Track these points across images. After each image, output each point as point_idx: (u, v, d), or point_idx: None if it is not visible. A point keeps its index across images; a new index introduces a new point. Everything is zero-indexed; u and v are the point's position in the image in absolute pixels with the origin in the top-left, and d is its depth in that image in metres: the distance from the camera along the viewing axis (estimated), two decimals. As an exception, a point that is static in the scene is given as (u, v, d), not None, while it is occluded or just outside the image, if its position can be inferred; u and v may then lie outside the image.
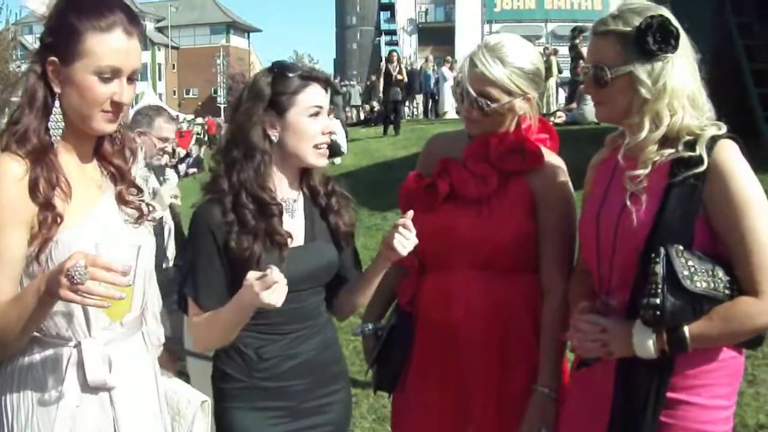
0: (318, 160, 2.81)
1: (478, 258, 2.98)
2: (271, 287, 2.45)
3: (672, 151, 2.44)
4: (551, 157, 3.07)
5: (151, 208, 2.55)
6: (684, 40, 2.48)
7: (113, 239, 2.23)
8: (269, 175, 2.77)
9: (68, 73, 2.23)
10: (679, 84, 2.44)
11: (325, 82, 2.84)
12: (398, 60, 24.86)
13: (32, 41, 49.74)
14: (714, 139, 2.41)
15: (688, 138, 2.43)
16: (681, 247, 2.34)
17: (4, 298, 2.15)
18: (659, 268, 2.30)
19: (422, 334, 3.11)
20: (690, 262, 2.31)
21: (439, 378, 3.05)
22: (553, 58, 22.40)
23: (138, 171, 2.56)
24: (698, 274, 2.30)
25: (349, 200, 3.00)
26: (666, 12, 2.47)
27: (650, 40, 2.41)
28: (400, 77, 24.06)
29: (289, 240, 2.76)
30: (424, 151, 3.35)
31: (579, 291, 2.80)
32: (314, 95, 2.78)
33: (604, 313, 2.55)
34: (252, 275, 2.48)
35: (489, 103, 2.91)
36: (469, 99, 2.94)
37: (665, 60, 2.43)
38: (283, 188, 2.84)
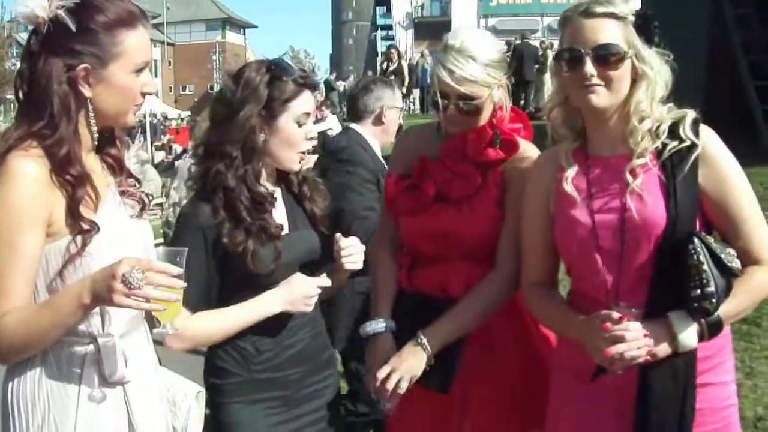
0: (296, 166, 2.88)
1: (465, 251, 3.00)
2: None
3: (659, 141, 2.48)
4: (525, 146, 3.06)
5: (150, 198, 2.57)
6: None
7: (148, 242, 2.40)
8: (262, 171, 2.83)
9: (104, 75, 2.27)
10: (664, 69, 2.52)
11: (313, 88, 2.89)
12: (399, 55, 23.72)
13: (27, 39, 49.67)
14: (695, 122, 2.46)
15: (670, 122, 2.47)
16: (703, 234, 2.37)
17: (23, 301, 2.18)
18: (701, 257, 2.30)
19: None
20: (714, 244, 2.35)
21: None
22: (549, 52, 22.34)
23: (131, 160, 2.57)
24: (729, 254, 2.35)
25: (319, 184, 3.05)
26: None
27: (651, 26, 2.49)
28: (396, 70, 23.03)
29: (281, 230, 2.81)
30: (398, 147, 3.39)
31: (565, 305, 2.74)
32: (305, 102, 2.83)
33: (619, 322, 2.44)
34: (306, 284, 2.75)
35: (470, 100, 2.91)
36: (451, 103, 2.92)
37: (652, 46, 2.51)
38: (267, 182, 2.89)
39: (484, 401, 3.01)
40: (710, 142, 2.48)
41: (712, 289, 2.29)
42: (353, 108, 4.99)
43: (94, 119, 2.32)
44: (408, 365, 2.86)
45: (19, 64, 2.34)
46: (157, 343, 2.60)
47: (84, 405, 2.27)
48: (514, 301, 3.01)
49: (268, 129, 2.82)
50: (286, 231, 2.89)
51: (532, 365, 3.05)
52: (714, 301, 2.30)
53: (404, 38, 63.80)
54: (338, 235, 2.93)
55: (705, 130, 2.49)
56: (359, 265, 2.91)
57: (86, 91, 2.27)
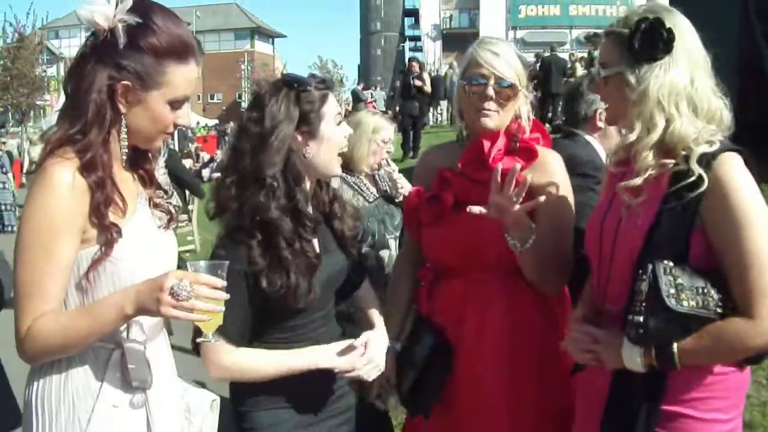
0: (339, 168, 2.89)
1: (489, 261, 3.00)
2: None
3: (672, 162, 2.41)
4: (546, 152, 3.08)
5: (178, 209, 2.62)
6: (686, 44, 2.46)
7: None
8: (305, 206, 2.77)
9: (142, 98, 2.31)
10: (675, 88, 2.41)
11: (331, 88, 2.90)
12: (421, 67, 21.87)
13: (58, 45, 50.36)
14: (708, 155, 2.36)
15: (684, 152, 2.40)
16: (671, 264, 2.29)
17: (57, 304, 2.23)
18: (644, 286, 2.28)
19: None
20: (679, 280, 2.26)
21: (451, 394, 3.07)
22: (578, 65, 22.31)
23: (158, 171, 2.61)
24: (686, 292, 2.26)
25: (348, 204, 3.08)
26: (665, 15, 2.45)
27: (636, 43, 2.42)
28: (422, 86, 20.65)
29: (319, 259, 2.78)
30: (419, 166, 3.40)
31: (583, 297, 2.81)
32: (334, 103, 2.83)
33: (601, 321, 2.55)
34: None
35: (509, 86, 2.98)
36: (492, 84, 2.96)
37: (654, 64, 2.42)
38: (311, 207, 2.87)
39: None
40: (725, 176, 2.34)
41: (639, 319, 2.27)
42: (572, 115, 4.56)
43: (126, 134, 2.36)
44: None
45: (58, 71, 2.37)
46: (175, 349, 2.62)
47: (104, 408, 2.30)
48: (535, 306, 3.04)
49: (313, 142, 2.79)
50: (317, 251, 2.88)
51: (557, 373, 3.05)
52: (641, 331, 2.28)
53: (432, 49, 63.88)
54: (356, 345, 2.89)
55: (724, 163, 2.36)
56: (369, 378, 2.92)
57: (122, 107, 2.31)
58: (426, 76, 21.70)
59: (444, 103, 30.91)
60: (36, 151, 23.08)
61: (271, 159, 2.67)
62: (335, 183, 3.12)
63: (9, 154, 22.39)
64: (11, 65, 46.13)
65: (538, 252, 2.85)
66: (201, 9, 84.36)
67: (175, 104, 2.37)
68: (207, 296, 2.19)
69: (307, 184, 2.80)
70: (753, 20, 11.55)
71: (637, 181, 2.44)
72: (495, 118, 3.02)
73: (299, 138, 2.75)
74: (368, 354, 2.85)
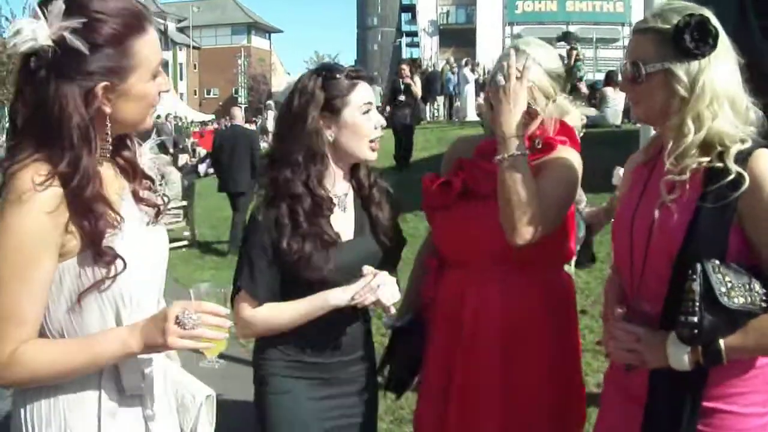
0: (371, 154, 2.98)
1: (493, 252, 2.99)
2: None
3: (707, 159, 2.39)
4: (567, 150, 3.07)
5: (166, 199, 2.51)
6: (725, 41, 2.44)
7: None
8: (327, 174, 2.96)
9: (123, 89, 2.17)
10: (719, 85, 2.40)
11: (369, 80, 3.01)
12: (411, 70, 19.84)
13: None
14: (744, 152, 2.35)
15: (720, 149, 2.38)
16: (717, 262, 2.29)
17: (36, 325, 2.14)
18: (696, 286, 2.26)
19: (438, 332, 3.17)
20: (727, 278, 2.26)
21: (445, 383, 3.11)
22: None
23: (145, 156, 2.49)
24: (735, 290, 2.25)
25: (389, 194, 3.17)
26: (708, 12, 2.43)
27: (687, 38, 2.38)
28: (410, 85, 18.66)
29: (337, 239, 2.94)
30: (447, 155, 3.39)
31: (612, 293, 2.78)
32: (364, 93, 2.96)
33: (636, 320, 2.52)
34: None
35: (535, 100, 2.97)
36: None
37: (703, 60, 2.40)
38: (337, 184, 3.01)
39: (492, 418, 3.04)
40: (762, 171, 2.34)
41: (694, 319, 2.25)
42: None
43: (111, 130, 2.23)
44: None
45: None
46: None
47: (105, 417, 2.26)
48: (537, 300, 3.03)
49: (335, 126, 2.96)
50: (350, 236, 3.04)
51: (559, 369, 3.07)
52: (696, 331, 2.26)
53: (429, 45, 63.88)
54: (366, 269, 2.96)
55: (760, 158, 2.36)
56: (388, 301, 2.94)
57: (107, 107, 2.17)
58: (417, 79, 20.00)
59: (441, 99, 30.93)
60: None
61: (297, 139, 2.91)
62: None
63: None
64: (7, 60, 46.08)
65: (510, 175, 2.81)
66: (198, 4, 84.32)
67: (154, 76, 2.25)
68: (213, 324, 2.20)
69: (332, 167, 3.00)
70: (749, 16, 11.54)
71: (683, 177, 2.42)
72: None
73: (321, 122, 2.94)
74: (378, 279, 2.92)
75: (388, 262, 3.12)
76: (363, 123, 2.96)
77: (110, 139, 2.24)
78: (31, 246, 2.05)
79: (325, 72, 2.98)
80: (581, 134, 3.20)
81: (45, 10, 2.06)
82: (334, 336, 3.05)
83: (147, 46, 2.20)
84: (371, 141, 2.98)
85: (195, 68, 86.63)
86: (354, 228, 3.07)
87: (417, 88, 19.18)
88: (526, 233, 2.81)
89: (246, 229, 3.07)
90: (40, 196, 2.04)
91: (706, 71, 2.40)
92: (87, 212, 2.11)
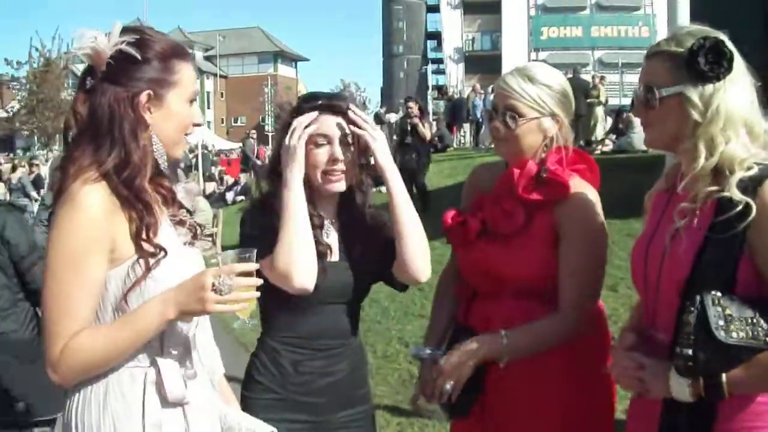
0: (326, 185, 2.89)
1: (517, 288, 2.99)
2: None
3: (719, 188, 2.33)
4: (582, 188, 3.02)
5: (201, 228, 2.66)
6: (740, 64, 2.40)
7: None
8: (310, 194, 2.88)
9: (164, 103, 2.39)
10: (733, 109, 2.35)
11: (336, 113, 2.87)
12: (420, 109, 17.45)
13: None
14: (755, 181, 2.29)
15: (729, 176, 2.32)
16: (719, 294, 2.23)
17: (87, 324, 2.25)
18: (692, 318, 2.21)
19: None
20: (728, 311, 2.20)
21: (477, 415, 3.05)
22: (600, 86, 22.30)
23: (179, 188, 2.65)
24: (735, 323, 2.19)
25: (384, 223, 3.04)
26: (722, 36, 2.39)
27: (702, 61, 2.34)
28: (418, 126, 16.40)
29: (327, 251, 2.89)
30: (467, 182, 3.38)
31: (631, 320, 2.76)
32: (327, 125, 2.85)
33: (650, 348, 2.49)
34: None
35: (516, 116, 2.94)
36: (498, 114, 2.98)
37: (718, 83, 2.35)
38: (321, 208, 2.96)
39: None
40: None
41: (689, 352, 2.21)
42: None
43: (161, 146, 2.41)
44: (453, 363, 2.91)
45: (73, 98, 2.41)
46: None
47: (150, 427, 2.31)
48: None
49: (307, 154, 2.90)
50: (335, 258, 2.95)
51: (586, 402, 3.02)
52: (690, 364, 2.22)
53: (455, 72, 64.09)
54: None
55: None
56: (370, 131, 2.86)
57: (148, 117, 2.36)
58: (426, 125, 17.27)
59: (467, 126, 30.97)
60: (15, 177, 23.23)
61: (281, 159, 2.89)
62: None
63: (38, 177, 22.58)
64: (37, 89, 46.70)
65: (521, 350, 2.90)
66: (225, 33, 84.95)
67: (191, 102, 2.46)
68: (246, 285, 2.29)
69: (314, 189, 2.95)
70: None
71: (695, 205, 2.38)
72: (501, 147, 3.07)
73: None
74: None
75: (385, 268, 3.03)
76: (312, 155, 2.86)
77: (158, 157, 2.42)
78: (85, 245, 2.21)
79: (301, 101, 2.95)
80: None
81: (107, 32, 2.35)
82: (326, 372, 2.94)
83: (186, 72, 2.44)
84: (326, 173, 2.87)
85: (222, 97, 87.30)
86: (338, 253, 2.97)
87: (426, 129, 16.79)
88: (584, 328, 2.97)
89: (242, 223, 3.00)
90: (92, 196, 2.23)
91: (720, 94, 2.35)
92: (136, 202, 2.29)
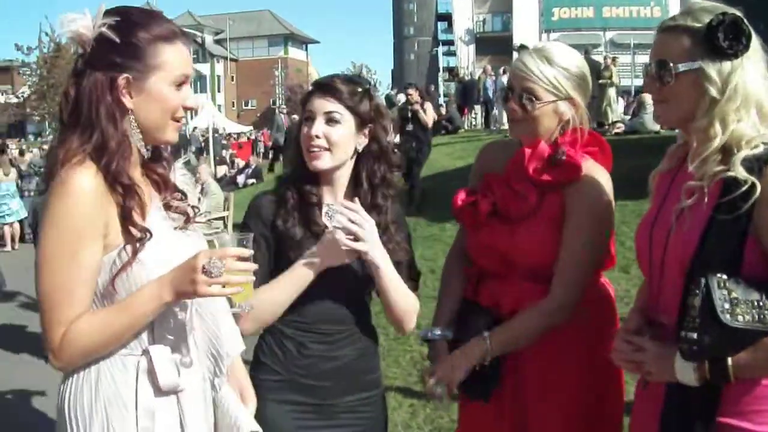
0: (310, 163, 2.91)
1: (526, 269, 2.99)
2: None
3: (726, 168, 2.29)
4: (595, 170, 3.01)
5: (197, 210, 2.62)
6: (756, 42, 2.36)
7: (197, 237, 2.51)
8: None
9: (144, 87, 2.34)
10: (750, 88, 2.32)
11: (329, 90, 2.92)
12: (422, 95, 16.57)
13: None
14: (762, 160, 2.26)
15: (741, 152, 2.29)
16: (724, 277, 2.20)
17: (86, 309, 2.25)
18: (697, 301, 2.18)
19: None
20: (733, 294, 2.17)
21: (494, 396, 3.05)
22: (612, 67, 22.17)
23: (178, 175, 2.63)
24: (741, 306, 2.17)
25: (401, 224, 3.07)
26: (739, 12, 2.34)
27: (721, 37, 2.29)
28: (417, 112, 15.51)
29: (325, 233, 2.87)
30: (477, 161, 3.36)
31: (637, 302, 2.75)
32: (313, 104, 2.92)
33: (655, 331, 2.47)
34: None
35: (533, 99, 2.92)
36: (515, 96, 2.97)
37: (736, 60, 2.31)
38: (327, 191, 2.98)
39: (542, 419, 3.00)
40: None
41: (693, 335, 2.19)
42: None
43: (139, 132, 2.38)
44: (446, 368, 2.98)
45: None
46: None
47: (143, 415, 2.31)
48: (582, 319, 2.98)
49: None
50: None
51: (596, 384, 3.03)
52: (695, 348, 2.20)
53: (466, 54, 63.85)
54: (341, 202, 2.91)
55: None
56: (365, 241, 2.81)
57: (127, 102, 2.33)
58: (429, 106, 16.46)
59: (478, 108, 30.87)
60: (25, 162, 23.29)
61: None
62: None
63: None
64: (48, 74, 46.84)
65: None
66: (234, 16, 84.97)
67: (178, 85, 2.40)
68: (238, 269, 2.26)
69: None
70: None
71: (703, 183, 2.34)
72: (517, 128, 3.05)
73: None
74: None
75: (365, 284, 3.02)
76: (303, 130, 2.94)
77: (140, 142, 2.40)
78: (79, 230, 2.20)
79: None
80: None
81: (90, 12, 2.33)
82: (330, 356, 2.95)
83: (172, 54, 2.38)
84: (308, 149, 2.90)
85: (232, 80, 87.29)
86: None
87: (427, 116, 15.90)
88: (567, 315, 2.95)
89: (246, 213, 3.06)
90: (84, 182, 2.21)
91: (738, 72, 2.32)
92: (116, 185, 2.27)
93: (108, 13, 2.33)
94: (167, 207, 2.51)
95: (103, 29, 2.29)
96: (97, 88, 2.29)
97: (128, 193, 2.28)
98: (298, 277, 2.85)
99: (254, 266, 2.35)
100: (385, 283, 2.91)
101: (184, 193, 2.59)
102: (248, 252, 2.33)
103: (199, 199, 2.66)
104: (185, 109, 2.46)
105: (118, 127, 2.31)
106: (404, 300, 2.98)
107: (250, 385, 2.82)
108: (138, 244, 2.27)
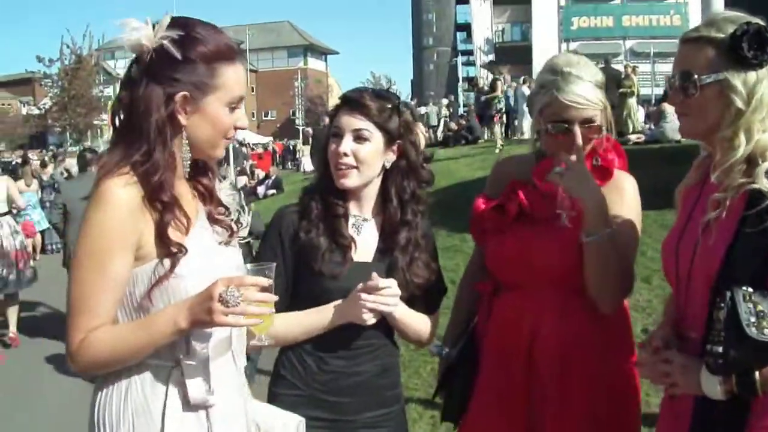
0: (337, 180, 2.90)
1: (550, 279, 2.96)
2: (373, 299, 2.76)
3: (751, 180, 2.27)
4: (621, 175, 3.03)
5: (239, 226, 2.63)
6: None
7: (231, 260, 2.48)
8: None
9: (201, 106, 2.35)
10: None
11: (357, 106, 2.89)
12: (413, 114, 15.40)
13: (114, 66, 51.37)
14: None
15: (765, 165, 2.26)
16: (750, 290, 2.17)
17: (108, 320, 2.26)
18: (722, 314, 2.16)
19: (491, 357, 3.12)
20: (759, 307, 2.15)
21: (507, 403, 3.04)
22: (633, 76, 22.08)
23: (224, 191, 2.64)
24: (767, 320, 2.14)
25: (424, 250, 3.02)
26: (762, 22, 2.32)
27: (745, 47, 2.27)
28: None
29: (352, 245, 2.88)
30: (492, 175, 3.34)
31: (665, 315, 2.73)
32: (341, 120, 2.90)
33: (682, 343, 2.45)
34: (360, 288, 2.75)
35: (592, 123, 2.93)
36: (577, 127, 2.90)
37: (761, 70, 2.29)
38: (354, 205, 2.97)
39: (557, 420, 2.97)
40: None
41: (719, 349, 2.16)
42: None
43: (188, 147, 2.39)
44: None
45: (115, 91, 2.40)
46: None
47: (169, 428, 2.30)
48: (595, 326, 2.96)
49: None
50: (368, 258, 2.93)
51: (613, 389, 3.00)
52: (721, 361, 2.17)
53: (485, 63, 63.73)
54: (374, 274, 2.82)
55: None
56: (389, 309, 2.84)
57: (183, 119, 2.33)
58: (420, 128, 14.25)
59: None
60: (48, 173, 23.42)
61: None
62: None
63: (68, 171, 22.76)
64: (69, 86, 47.14)
65: (603, 252, 2.80)
66: (254, 27, 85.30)
67: (233, 106, 2.41)
68: (257, 299, 2.23)
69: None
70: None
71: (728, 195, 2.31)
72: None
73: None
74: (384, 281, 2.82)
75: (415, 305, 3.00)
76: (330, 147, 2.92)
77: (188, 156, 2.41)
78: (110, 242, 2.21)
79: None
80: None
81: (155, 22, 2.32)
82: (350, 372, 2.92)
83: (232, 75, 2.38)
84: (337, 166, 2.88)
85: (252, 91, 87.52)
86: (373, 255, 2.95)
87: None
88: (617, 304, 2.98)
89: (266, 228, 3.08)
90: (119, 193, 2.23)
91: (764, 82, 2.30)
92: (154, 200, 2.27)
93: (173, 24, 2.33)
94: (213, 221, 2.53)
95: (165, 42, 2.28)
96: (153, 100, 2.28)
97: (167, 210, 2.29)
98: (320, 321, 2.86)
99: (274, 297, 2.31)
100: (398, 325, 2.96)
101: (227, 208, 2.60)
102: (267, 282, 2.28)
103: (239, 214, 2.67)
104: (237, 128, 2.47)
105: (167, 143, 2.31)
106: (418, 328, 3.03)
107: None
108: (174, 259, 2.27)
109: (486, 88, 30.01)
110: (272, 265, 2.40)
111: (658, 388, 2.72)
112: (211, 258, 2.39)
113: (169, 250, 2.27)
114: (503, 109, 26.01)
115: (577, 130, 2.89)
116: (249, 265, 2.40)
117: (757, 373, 2.19)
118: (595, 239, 2.78)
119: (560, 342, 2.94)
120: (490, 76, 35.76)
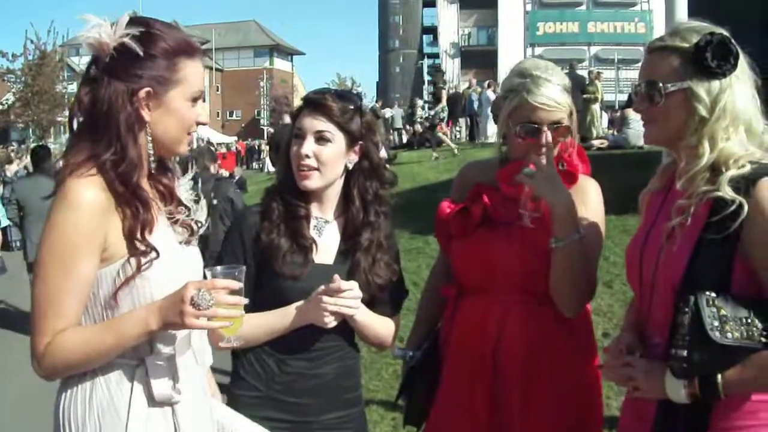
0: (300, 182, 2.89)
1: (514, 282, 2.97)
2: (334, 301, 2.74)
3: (715, 188, 2.30)
4: (585, 179, 3.06)
5: (199, 225, 2.62)
6: (743, 62, 2.39)
7: (194, 262, 2.49)
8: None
9: (164, 101, 2.36)
10: (739, 107, 2.34)
11: (319, 108, 2.88)
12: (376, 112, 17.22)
13: (78, 62, 50.94)
14: (748, 179, 2.27)
15: (730, 172, 2.30)
16: (713, 294, 2.21)
17: (75, 321, 2.24)
18: (686, 319, 2.20)
19: (455, 360, 3.13)
20: (722, 311, 2.19)
21: (470, 407, 3.04)
22: (597, 82, 22.20)
23: (183, 190, 2.62)
24: (730, 324, 2.18)
25: (387, 251, 3.02)
26: (725, 32, 2.37)
27: (709, 57, 2.31)
28: None
29: (313, 246, 2.88)
30: (458, 179, 3.35)
31: (627, 319, 2.76)
32: (303, 121, 2.89)
33: (646, 349, 2.48)
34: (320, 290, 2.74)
35: (561, 128, 2.95)
36: (547, 130, 2.93)
37: (725, 80, 2.34)
38: (316, 207, 2.97)
39: (521, 426, 2.98)
40: (762, 197, 2.24)
41: (683, 353, 2.20)
42: None
43: (152, 145, 2.38)
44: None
45: (73, 88, 2.38)
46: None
47: (134, 425, 2.29)
48: (559, 331, 2.98)
49: None
50: (329, 261, 2.93)
51: (577, 392, 3.03)
52: (685, 365, 2.21)
53: (451, 67, 63.96)
54: (336, 276, 2.81)
55: (765, 185, 2.25)
56: (351, 312, 2.84)
57: (146, 115, 2.33)
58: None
59: (462, 121, 30.88)
60: (11, 170, 23.17)
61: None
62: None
63: (27, 169, 22.51)
64: (32, 82, 46.67)
65: (572, 257, 2.82)
66: (220, 26, 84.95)
67: (194, 101, 2.42)
68: (227, 302, 2.23)
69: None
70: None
71: (692, 202, 2.35)
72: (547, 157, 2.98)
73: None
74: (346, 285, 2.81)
75: (376, 307, 3.00)
76: (292, 148, 2.91)
77: (152, 153, 2.40)
78: (74, 242, 2.19)
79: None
80: None
81: (113, 22, 2.32)
82: (310, 374, 2.91)
83: (192, 70, 2.40)
84: (299, 167, 2.88)
85: (218, 90, 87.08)
86: (334, 258, 2.95)
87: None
88: (579, 308, 2.98)
89: (228, 228, 3.10)
90: (85, 194, 2.21)
91: (727, 92, 2.34)
92: (132, 199, 2.28)
93: (132, 22, 2.34)
94: (173, 220, 2.52)
95: (126, 39, 2.29)
96: (117, 98, 2.28)
97: (144, 207, 2.30)
98: (281, 323, 2.85)
99: (245, 300, 2.32)
100: (359, 327, 2.95)
101: (187, 207, 2.60)
102: (238, 285, 2.31)
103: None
104: (198, 123, 2.47)
105: (137, 140, 2.31)
106: (379, 331, 3.03)
107: (213, 380, 2.83)
108: (142, 259, 2.26)
109: (452, 91, 30.14)
110: (242, 268, 2.41)
111: (618, 391, 2.73)
112: (174, 258, 2.39)
113: (140, 250, 2.26)
114: (445, 118, 26.63)
115: (547, 131, 2.91)
116: (218, 268, 2.39)
117: (719, 377, 2.23)
118: (564, 244, 2.80)
119: (525, 345, 2.95)
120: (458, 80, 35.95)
